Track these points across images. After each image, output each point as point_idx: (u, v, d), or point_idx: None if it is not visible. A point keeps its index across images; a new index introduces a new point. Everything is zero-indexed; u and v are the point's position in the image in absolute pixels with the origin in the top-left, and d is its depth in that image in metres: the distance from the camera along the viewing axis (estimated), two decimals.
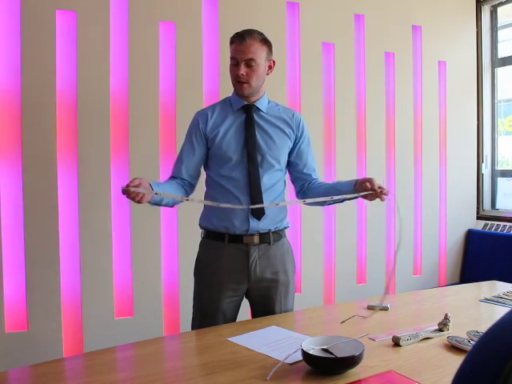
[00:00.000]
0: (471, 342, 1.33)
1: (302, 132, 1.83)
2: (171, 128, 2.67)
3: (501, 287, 2.02)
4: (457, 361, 1.19)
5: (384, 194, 1.61)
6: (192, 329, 1.77)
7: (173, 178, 1.79)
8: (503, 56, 3.77)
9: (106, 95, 2.52)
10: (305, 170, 1.85)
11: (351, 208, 3.18)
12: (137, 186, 1.49)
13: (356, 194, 1.65)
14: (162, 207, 1.82)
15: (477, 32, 3.78)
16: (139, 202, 1.51)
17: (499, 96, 3.82)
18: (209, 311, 1.74)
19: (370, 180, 1.63)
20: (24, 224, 2.36)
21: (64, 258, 2.45)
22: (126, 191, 1.48)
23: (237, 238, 1.73)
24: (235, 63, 1.71)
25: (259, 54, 1.70)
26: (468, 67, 3.73)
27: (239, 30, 1.67)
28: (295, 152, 1.83)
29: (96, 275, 2.51)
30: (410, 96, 3.46)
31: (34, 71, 2.36)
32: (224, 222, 1.73)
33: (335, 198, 1.68)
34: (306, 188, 1.86)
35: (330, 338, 1.28)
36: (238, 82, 1.72)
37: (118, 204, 2.56)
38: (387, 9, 3.34)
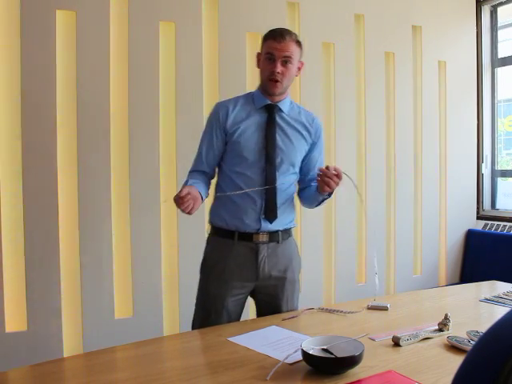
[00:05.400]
0: (471, 341, 1.33)
1: (319, 139, 1.83)
2: (171, 127, 2.67)
3: (501, 287, 2.02)
4: (457, 361, 1.19)
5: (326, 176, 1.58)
6: (192, 328, 1.77)
7: (195, 171, 1.79)
8: (503, 56, 3.77)
9: (106, 95, 2.51)
10: (308, 177, 1.84)
11: (351, 208, 3.18)
12: (188, 198, 1.51)
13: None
14: None
15: (477, 32, 3.78)
16: (189, 213, 1.55)
17: (499, 96, 3.82)
18: (213, 309, 1.73)
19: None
20: (24, 224, 2.36)
21: (64, 258, 2.45)
22: (177, 200, 1.51)
23: (246, 236, 1.72)
24: (271, 59, 1.68)
25: (295, 54, 1.70)
26: (468, 67, 3.73)
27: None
28: (306, 156, 1.83)
29: (96, 275, 2.51)
30: (409, 96, 3.46)
31: (34, 71, 2.36)
32: (235, 220, 1.72)
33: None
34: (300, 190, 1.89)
35: (330, 337, 1.28)
36: (270, 79, 1.69)
37: (118, 204, 2.56)
38: (387, 9, 3.34)
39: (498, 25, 3.81)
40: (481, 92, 3.78)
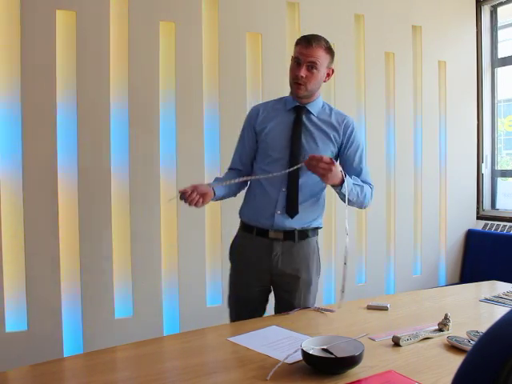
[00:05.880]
0: (471, 341, 1.33)
1: (350, 138, 1.83)
2: (171, 127, 2.67)
3: (501, 287, 2.02)
4: (457, 361, 1.19)
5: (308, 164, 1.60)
6: (229, 306, 1.91)
7: (230, 169, 1.95)
8: (503, 56, 3.77)
9: (106, 95, 2.51)
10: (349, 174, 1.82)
11: (351, 208, 3.17)
12: (189, 192, 1.62)
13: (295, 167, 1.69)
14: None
15: (477, 32, 3.78)
16: (196, 205, 1.66)
17: (499, 96, 3.82)
18: (240, 295, 1.87)
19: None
20: (24, 224, 2.36)
21: (64, 258, 2.45)
22: (182, 196, 1.63)
23: (263, 232, 1.80)
24: (297, 63, 1.75)
25: (322, 60, 1.75)
26: (468, 67, 3.73)
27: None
28: (342, 157, 1.84)
29: (96, 275, 2.51)
30: (409, 96, 3.46)
31: (33, 71, 2.36)
32: (253, 214, 1.83)
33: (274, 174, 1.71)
34: None
35: (330, 337, 1.28)
36: (295, 82, 1.76)
37: (118, 203, 2.56)
38: (387, 9, 3.34)
39: (498, 25, 3.81)
40: (481, 92, 3.78)
